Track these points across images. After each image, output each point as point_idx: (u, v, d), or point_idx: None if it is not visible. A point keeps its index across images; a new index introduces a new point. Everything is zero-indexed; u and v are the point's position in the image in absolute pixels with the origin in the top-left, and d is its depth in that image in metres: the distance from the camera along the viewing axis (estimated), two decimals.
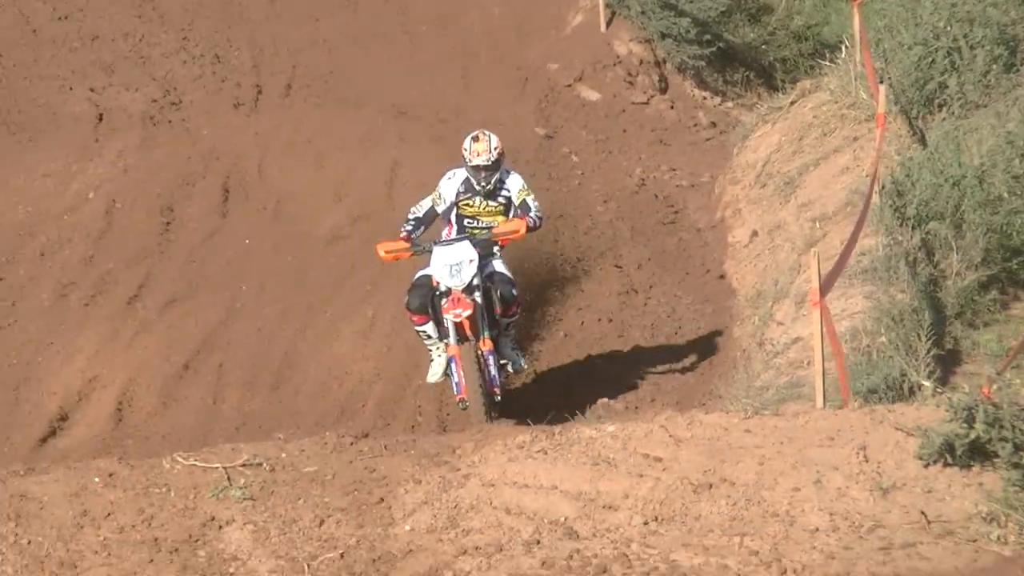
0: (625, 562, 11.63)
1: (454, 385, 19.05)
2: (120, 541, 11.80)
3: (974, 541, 11.82)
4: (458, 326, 18.66)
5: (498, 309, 19.20)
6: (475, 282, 18.72)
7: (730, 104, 27.44)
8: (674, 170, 25.43)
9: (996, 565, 11.65)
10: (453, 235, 19.37)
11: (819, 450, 12.98)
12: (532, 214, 19.07)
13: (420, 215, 19.15)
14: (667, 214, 24.42)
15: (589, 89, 26.90)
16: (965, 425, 12.33)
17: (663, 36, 27.40)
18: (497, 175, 19.09)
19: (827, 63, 25.53)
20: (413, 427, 19.72)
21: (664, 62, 27.51)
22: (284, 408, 19.74)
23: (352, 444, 13.48)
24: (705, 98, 27.45)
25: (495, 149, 18.89)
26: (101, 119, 24.99)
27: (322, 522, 12.06)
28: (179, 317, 21.48)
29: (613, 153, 25.71)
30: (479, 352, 19.05)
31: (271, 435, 14.77)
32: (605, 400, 20.42)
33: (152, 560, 11.63)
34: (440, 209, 19.24)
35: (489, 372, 19.01)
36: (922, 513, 12.02)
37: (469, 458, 13.22)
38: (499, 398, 19.08)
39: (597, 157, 25.53)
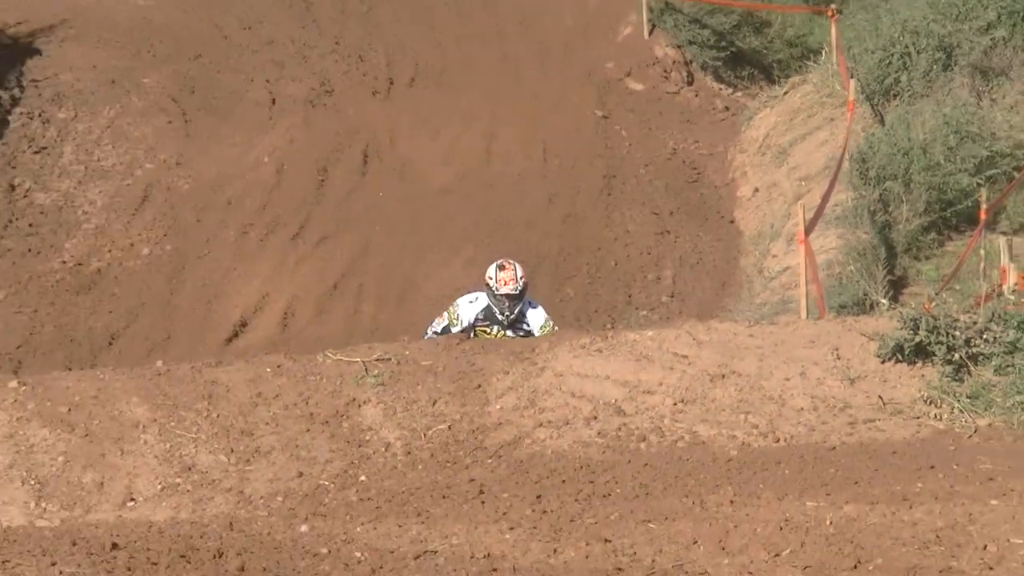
0: (659, 433, 12.17)
1: None
2: (285, 415, 12.07)
3: (918, 418, 12.41)
4: None
5: None
6: None
7: (740, 94, 27.39)
8: (697, 142, 25.45)
9: (933, 436, 12.16)
10: None
11: (803, 350, 13.29)
12: None
13: (438, 330, 15.34)
14: (691, 175, 24.48)
15: (635, 82, 26.85)
16: (911, 332, 12.67)
17: (690, 43, 27.56)
18: (520, 305, 15.24)
19: (812, 63, 25.65)
20: None
21: (691, 62, 27.44)
22: (407, 318, 19.70)
23: (458, 344, 13.49)
24: (721, 89, 27.43)
25: (521, 279, 15.18)
26: (274, 103, 24.82)
27: (435, 402, 12.33)
28: (329, 250, 21.55)
29: (652, 130, 25.55)
30: None
31: (397, 338, 14.79)
32: (644, 312, 20.31)
33: (308, 429, 11.93)
34: (455, 331, 15.11)
35: None
36: (879, 397, 12.52)
37: (544, 355, 13.25)
38: None
39: (640, 132, 25.37)
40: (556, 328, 15.20)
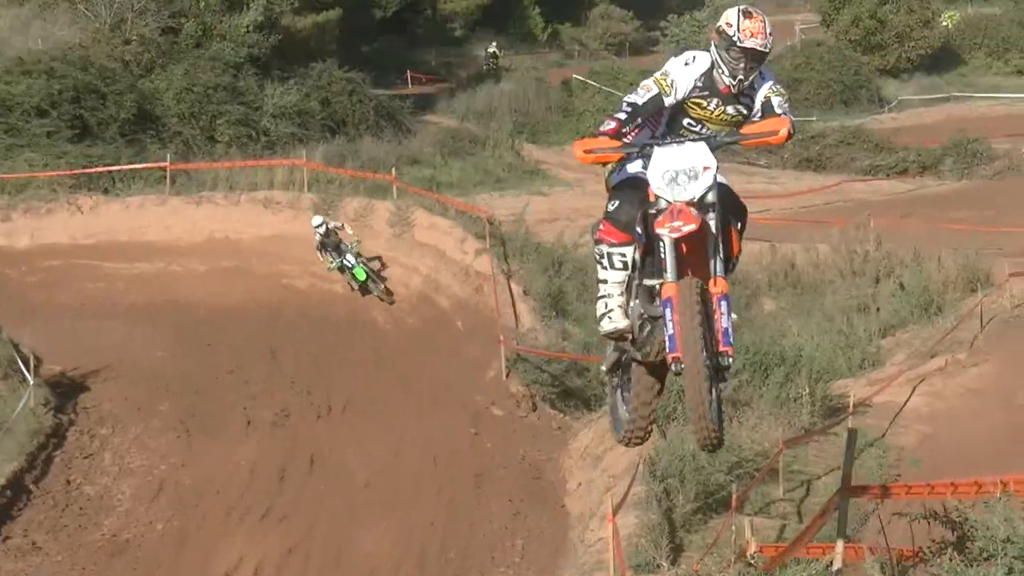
0: None
1: (667, 339, 8.28)
2: None
3: None
4: (680, 252, 8.31)
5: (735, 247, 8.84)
6: (710, 198, 8.33)
7: (568, 418, 26.95)
8: (539, 450, 25.35)
9: None
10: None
11: None
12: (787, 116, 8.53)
13: (640, 102, 8.58)
14: (536, 473, 24.36)
15: (497, 409, 27.01)
16: None
17: (534, 382, 27.68)
18: (758, 70, 8.57)
19: None
20: None
21: (535, 396, 27.48)
22: (344, 572, 20.08)
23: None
24: (555, 414, 27.18)
25: (770, 34, 8.46)
26: (249, 424, 25.18)
27: None
28: (287, 526, 21.70)
29: (509, 442, 25.58)
30: (706, 295, 8.47)
31: None
32: (502, 569, 20.27)
33: None
34: (667, 101, 8.61)
35: (721, 324, 8.48)
36: None
37: None
38: (731, 360, 8.44)
39: (501, 444, 25.42)
40: (788, 102, 8.64)
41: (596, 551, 19.12)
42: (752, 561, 14.24)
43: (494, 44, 70.24)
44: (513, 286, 30.40)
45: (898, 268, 33.19)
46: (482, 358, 28.54)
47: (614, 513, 17.43)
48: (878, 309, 31.03)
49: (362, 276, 27.74)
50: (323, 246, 28.03)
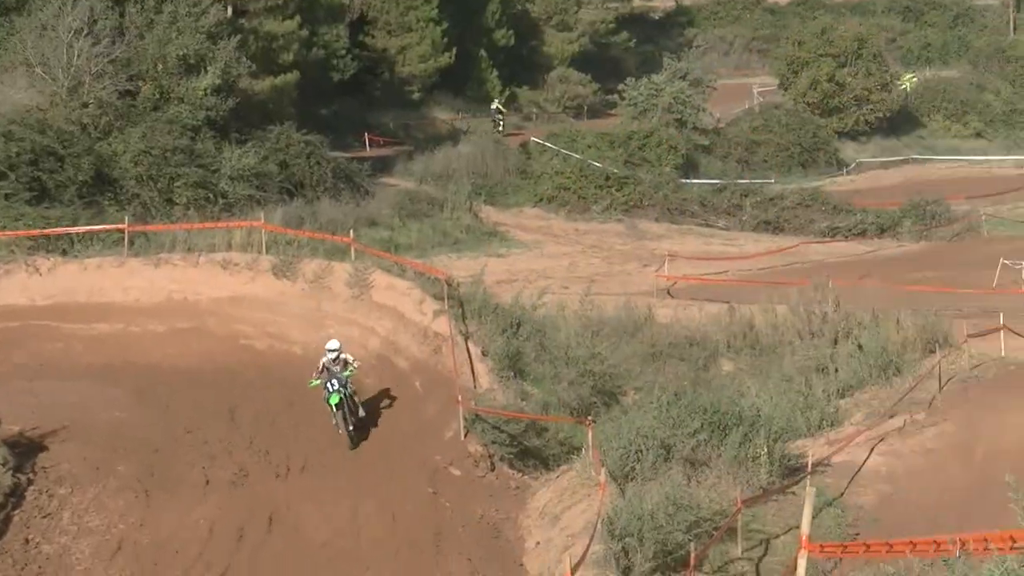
0: None
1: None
2: None
3: None
4: None
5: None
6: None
7: (526, 477, 27.13)
8: (497, 510, 25.25)
9: None
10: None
11: None
12: None
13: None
14: (494, 532, 24.21)
15: (455, 469, 27.02)
16: None
17: (493, 442, 27.71)
18: None
19: (575, 456, 25.72)
20: None
21: (493, 455, 27.56)
22: None
23: None
24: (513, 474, 27.32)
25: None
26: (207, 483, 25.21)
27: None
28: None
29: (467, 502, 25.47)
30: None
31: None
32: None
33: None
34: None
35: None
36: None
37: None
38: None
39: (459, 503, 25.34)
40: None
41: None
42: None
43: (496, 101, 70.90)
44: (471, 347, 30.57)
45: (856, 329, 33.56)
46: (440, 418, 28.61)
47: (572, 572, 17.52)
48: (836, 369, 31.39)
49: (335, 400, 27.15)
50: (325, 369, 27.54)
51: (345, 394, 27.20)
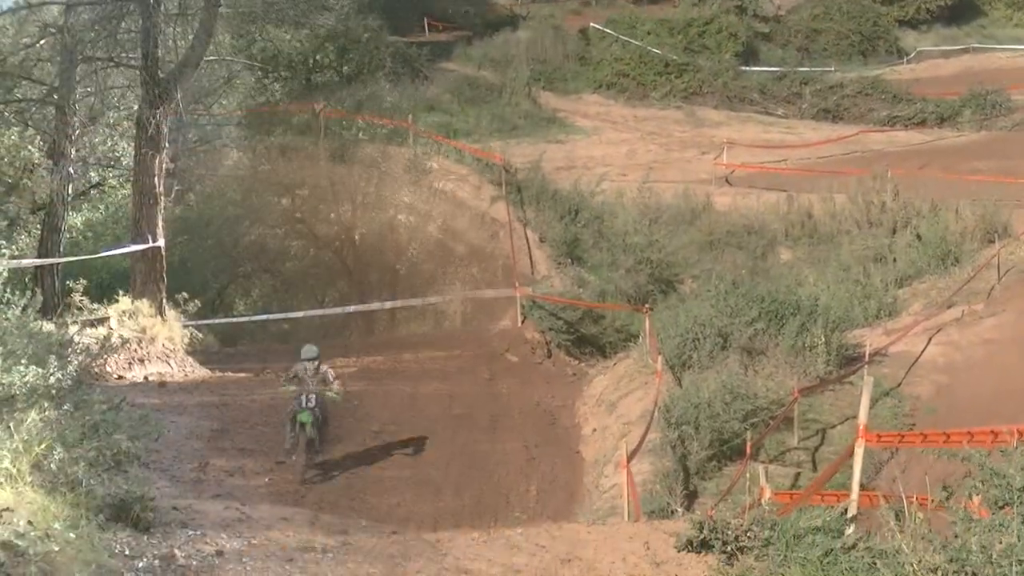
0: None
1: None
2: None
3: None
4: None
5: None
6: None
7: (583, 364, 27.25)
8: (554, 397, 25.30)
9: None
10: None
11: (625, 543, 13.51)
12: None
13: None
14: (551, 419, 24.19)
15: (512, 355, 27.11)
16: (698, 531, 12.69)
17: (550, 329, 27.76)
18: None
19: (632, 344, 25.85)
20: None
21: (550, 342, 27.58)
22: None
23: None
24: (570, 361, 27.43)
25: None
26: None
27: None
28: None
29: (523, 388, 25.61)
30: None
31: None
32: (517, 513, 19.75)
33: None
34: None
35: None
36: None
37: (445, 544, 13.30)
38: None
39: (516, 389, 25.45)
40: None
41: (611, 497, 19.14)
42: (768, 507, 13.94)
43: None
44: (529, 233, 30.33)
45: (915, 219, 33.13)
46: (497, 304, 28.67)
47: (629, 459, 17.57)
48: (895, 259, 31.00)
49: (305, 419, 20.80)
50: (296, 377, 21.12)
51: (316, 418, 20.99)
